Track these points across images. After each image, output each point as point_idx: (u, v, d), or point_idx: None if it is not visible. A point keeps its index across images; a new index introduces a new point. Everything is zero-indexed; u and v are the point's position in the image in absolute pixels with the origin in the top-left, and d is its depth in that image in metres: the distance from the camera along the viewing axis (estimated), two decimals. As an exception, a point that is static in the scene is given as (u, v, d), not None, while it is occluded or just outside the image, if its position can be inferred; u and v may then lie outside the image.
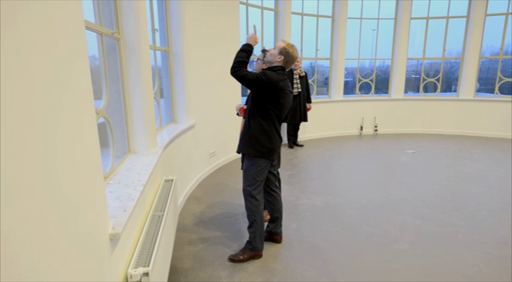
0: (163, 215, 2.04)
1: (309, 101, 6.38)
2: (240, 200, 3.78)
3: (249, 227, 2.64)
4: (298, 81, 5.96)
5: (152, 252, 1.65)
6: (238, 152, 2.67)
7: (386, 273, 2.46)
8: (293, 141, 6.47)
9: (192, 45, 4.04)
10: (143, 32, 2.46)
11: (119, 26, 2.33)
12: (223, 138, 5.04)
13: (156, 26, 3.58)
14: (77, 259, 1.07)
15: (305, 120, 6.27)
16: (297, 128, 6.48)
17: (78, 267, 1.07)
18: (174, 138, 3.35)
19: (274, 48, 2.54)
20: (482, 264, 2.55)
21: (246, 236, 2.98)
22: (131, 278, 1.47)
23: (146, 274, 1.49)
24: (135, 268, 1.51)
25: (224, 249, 2.79)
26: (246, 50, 2.41)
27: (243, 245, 2.74)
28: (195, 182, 4.29)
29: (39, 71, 0.85)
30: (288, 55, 2.46)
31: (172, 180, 2.64)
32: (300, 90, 5.98)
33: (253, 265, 2.57)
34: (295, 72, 5.92)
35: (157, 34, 3.56)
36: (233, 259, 2.62)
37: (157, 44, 3.57)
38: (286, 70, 2.55)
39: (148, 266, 1.53)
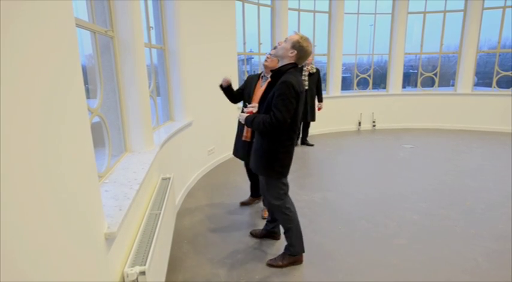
0: (160, 213, 2.03)
1: (320, 100, 5.98)
2: (239, 197, 3.78)
3: (286, 233, 2.49)
4: (307, 78, 5.65)
5: (149, 251, 1.64)
6: (254, 172, 2.44)
7: (385, 268, 2.46)
8: (301, 140, 6.20)
9: (188, 43, 4.02)
10: (138, 29, 2.44)
11: (113, 24, 2.31)
12: (221, 136, 5.02)
13: (152, 24, 3.55)
14: (71, 259, 1.06)
15: (312, 119, 5.97)
16: (305, 127, 6.21)
17: (72, 267, 1.06)
18: (171, 136, 3.34)
19: (285, 41, 2.22)
20: (480, 258, 2.56)
21: (245, 233, 2.99)
22: (127, 277, 1.46)
23: (143, 273, 1.48)
24: (131, 267, 1.50)
25: (222, 247, 2.79)
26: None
27: (240, 243, 2.74)
28: (193, 180, 4.28)
29: (27, 71, 0.84)
30: (301, 50, 2.16)
31: (169, 179, 2.63)
32: (307, 87, 5.64)
33: (251, 262, 2.57)
34: (305, 68, 5.59)
35: (152, 32, 3.53)
36: (271, 264, 2.48)
37: (153, 41, 3.54)
38: (299, 66, 2.26)
39: (145, 264, 1.53)
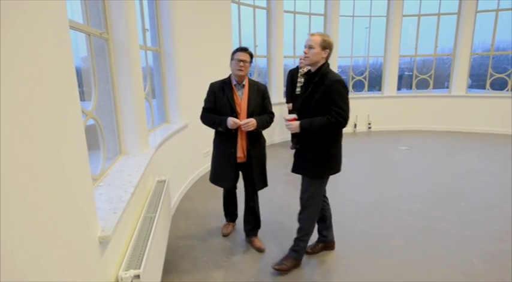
0: (155, 216, 2.02)
1: None
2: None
3: (301, 240, 2.47)
4: (302, 80, 5.62)
5: (144, 254, 1.63)
6: (309, 176, 2.37)
7: (382, 269, 2.46)
8: (296, 143, 6.18)
9: (183, 45, 4.01)
10: (133, 32, 2.43)
11: (108, 26, 2.30)
12: (217, 138, 5.01)
13: (147, 26, 3.54)
14: (64, 262, 1.05)
15: None
16: None
17: (65, 271, 1.05)
18: (167, 138, 3.33)
19: (309, 47, 2.22)
20: (475, 260, 2.57)
21: (240, 235, 2.98)
22: (122, 280, 1.45)
23: (137, 276, 1.47)
24: (126, 271, 1.49)
25: (218, 250, 2.77)
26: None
27: (236, 246, 2.72)
28: (189, 182, 4.26)
29: (17, 73, 0.83)
30: (330, 45, 2.23)
31: (164, 181, 2.62)
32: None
33: (247, 266, 2.56)
34: (301, 70, 5.65)
35: (148, 34, 3.53)
36: (278, 268, 2.43)
37: (148, 44, 3.54)
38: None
39: (139, 268, 1.51)
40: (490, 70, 7.39)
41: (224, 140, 2.65)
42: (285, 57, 6.77)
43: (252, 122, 2.48)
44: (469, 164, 5.11)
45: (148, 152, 2.59)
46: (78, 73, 2.47)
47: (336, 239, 2.77)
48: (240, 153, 2.63)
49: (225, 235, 3.00)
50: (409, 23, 7.70)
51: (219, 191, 3.69)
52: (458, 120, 7.60)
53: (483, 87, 7.60)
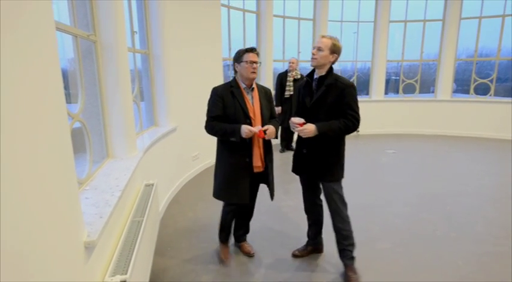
0: (142, 220, 2.00)
1: None
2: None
3: (351, 246, 2.43)
4: (292, 84, 5.71)
5: (131, 259, 1.60)
6: (327, 181, 2.34)
7: (368, 272, 2.48)
8: (285, 146, 6.16)
9: (173, 48, 4.00)
10: (121, 34, 2.41)
11: (95, 28, 2.27)
12: (206, 141, 4.96)
13: (136, 28, 3.52)
14: (47, 268, 1.02)
15: None
16: (290, 133, 6.11)
17: (49, 277, 1.03)
18: (155, 141, 3.30)
19: (318, 49, 2.20)
20: (460, 262, 2.62)
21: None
22: (108, 286, 1.42)
23: (124, 282, 1.45)
24: (112, 276, 1.47)
25: (207, 254, 2.75)
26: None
27: (229, 253, 2.70)
28: (178, 186, 4.23)
29: (4, 74, 0.82)
30: (339, 50, 2.23)
31: (153, 185, 2.59)
32: (292, 93, 5.65)
33: (236, 270, 2.55)
34: (289, 74, 5.70)
35: (136, 36, 3.50)
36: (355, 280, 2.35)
37: (137, 46, 3.51)
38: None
39: (126, 273, 1.49)
40: (473, 75, 7.59)
41: (236, 150, 2.35)
42: (274, 61, 6.81)
43: (273, 129, 2.31)
44: (454, 167, 5.22)
45: (136, 155, 2.57)
46: (65, 75, 2.44)
47: (324, 242, 2.78)
48: (258, 162, 2.37)
49: (225, 262, 2.62)
50: (396, 28, 7.86)
51: (209, 194, 3.65)
52: (443, 124, 7.76)
53: (467, 92, 7.79)
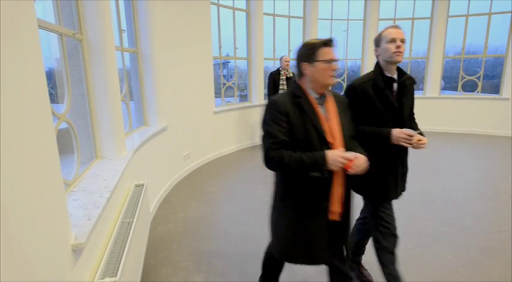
0: (132, 221, 1.97)
1: None
2: (215, 203, 3.74)
3: (391, 262, 2.15)
4: (285, 82, 5.70)
5: (120, 261, 1.58)
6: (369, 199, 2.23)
7: (360, 269, 2.50)
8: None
9: (162, 46, 3.95)
10: (108, 32, 2.37)
11: (82, 27, 2.23)
12: (197, 140, 4.96)
13: (123, 26, 3.47)
14: (34, 272, 1.00)
15: None
16: None
17: (35, 281, 1.00)
18: (145, 141, 3.26)
19: (402, 41, 1.95)
20: (449, 256, 2.65)
21: (222, 239, 2.95)
22: (97, 289, 1.40)
23: (113, 284, 1.43)
24: (101, 279, 1.45)
25: (198, 255, 2.74)
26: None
27: (216, 250, 2.69)
28: (169, 186, 4.19)
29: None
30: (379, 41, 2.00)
31: (143, 185, 2.56)
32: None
33: (227, 270, 2.54)
34: (282, 72, 5.70)
35: (124, 35, 3.45)
36: None
37: (125, 45, 3.46)
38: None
39: (115, 275, 1.47)
40: (461, 73, 7.70)
41: (309, 189, 1.59)
42: (265, 59, 6.80)
43: (362, 159, 1.50)
44: (442, 162, 5.29)
45: (126, 155, 2.53)
46: (52, 74, 2.39)
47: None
48: (336, 207, 1.61)
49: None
50: (385, 26, 7.89)
51: (200, 194, 3.61)
52: (432, 120, 7.86)
53: (455, 89, 7.90)
